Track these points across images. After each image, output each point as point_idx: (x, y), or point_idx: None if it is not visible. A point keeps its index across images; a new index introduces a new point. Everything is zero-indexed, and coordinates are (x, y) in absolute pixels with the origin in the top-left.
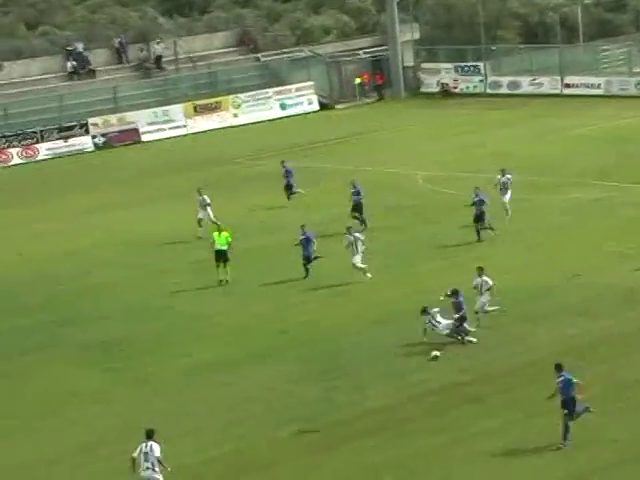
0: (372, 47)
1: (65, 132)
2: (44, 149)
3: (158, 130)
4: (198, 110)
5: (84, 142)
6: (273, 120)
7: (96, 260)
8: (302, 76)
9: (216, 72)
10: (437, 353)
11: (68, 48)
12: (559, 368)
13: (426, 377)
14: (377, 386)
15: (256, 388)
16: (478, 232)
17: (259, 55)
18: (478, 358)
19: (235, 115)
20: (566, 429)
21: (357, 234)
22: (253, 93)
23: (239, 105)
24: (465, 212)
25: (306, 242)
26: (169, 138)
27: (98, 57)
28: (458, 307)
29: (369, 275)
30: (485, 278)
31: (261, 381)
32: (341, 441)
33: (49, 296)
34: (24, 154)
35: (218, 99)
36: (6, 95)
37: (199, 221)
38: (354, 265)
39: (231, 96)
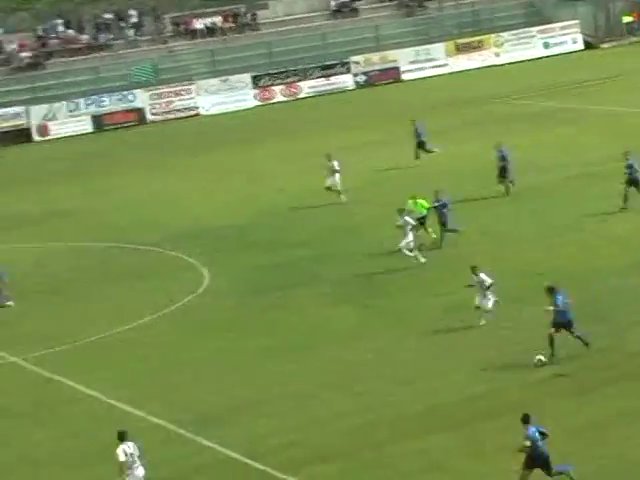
0: None
1: (327, 70)
2: (306, 87)
3: (419, 69)
4: (460, 49)
5: (345, 80)
6: (535, 59)
7: (356, 198)
8: (568, 14)
9: (479, 10)
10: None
11: None
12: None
13: None
14: (637, 330)
15: (511, 330)
16: None
17: None
18: None
19: (497, 54)
20: None
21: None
22: (516, 32)
23: (501, 44)
24: None
25: (442, 207)
26: (430, 77)
27: None
28: None
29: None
30: (482, 276)
31: (517, 324)
32: (597, 385)
33: (309, 233)
34: (287, 92)
35: (480, 38)
36: (270, 34)
37: (328, 188)
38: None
39: (493, 35)
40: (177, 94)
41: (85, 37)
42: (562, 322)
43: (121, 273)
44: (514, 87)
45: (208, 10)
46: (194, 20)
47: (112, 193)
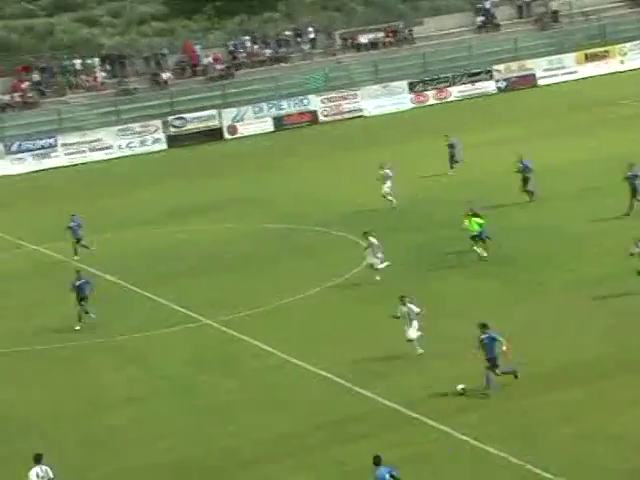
0: None
1: (473, 77)
2: (455, 92)
3: (552, 75)
4: (588, 58)
5: (488, 86)
6: None
7: (494, 186)
8: None
9: (605, 24)
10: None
11: (478, 5)
12: (484, 327)
13: None
14: None
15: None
16: None
17: None
18: None
19: (621, 62)
20: (488, 380)
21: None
22: (638, 42)
23: (625, 53)
24: None
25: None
26: (562, 82)
27: (503, 13)
28: None
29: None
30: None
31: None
32: None
33: (455, 216)
34: (438, 96)
35: (606, 48)
36: (425, 46)
37: (384, 195)
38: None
39: (618, 45)
40: (344, 98)
41: (268, 51)
42: None
43: (296, 250)
44: (636, 90)
45: (372, 27)
46: (360, 36)
47: (289, 182)
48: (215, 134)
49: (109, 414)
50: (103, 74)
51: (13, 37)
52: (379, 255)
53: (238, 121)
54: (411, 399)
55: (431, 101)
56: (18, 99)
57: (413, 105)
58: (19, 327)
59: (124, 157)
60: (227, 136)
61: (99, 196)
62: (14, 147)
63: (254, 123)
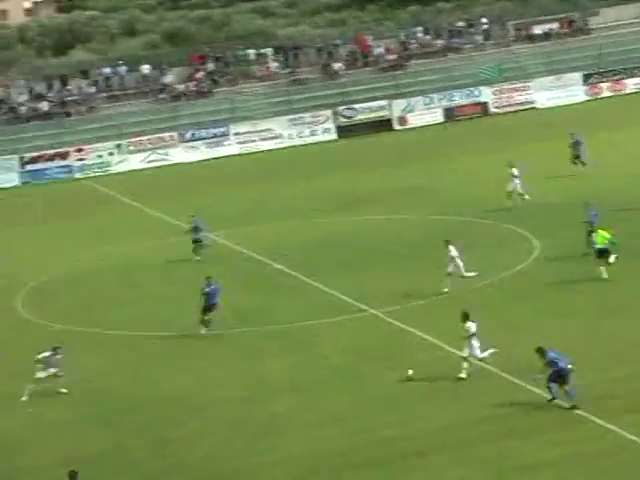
0: None
1: None
2: (631, 84)
3: None
4: None
5: None
6: None
7: None
8: None
9: None
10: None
11: None
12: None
13: None
14: None
15: None
16: None
17: None
18: None
19: None
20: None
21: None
22: None
23: None
24: None
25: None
26: None
27: None
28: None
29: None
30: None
31: None
32: None
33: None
34: (613, 88)
35: None
36: (601, 37)
37: (508, 194)
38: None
39: None
40: (516, 90)
41: (440, 42)
42: None
43: (464, 243)
44: None
45: (546, 18)
46: (534, 26)
47: (457, 174)
48: (385, 125)
49: (273, 400)
50: (276, 64)
51: (190, 27)
52: (458, 263)
53: (408, 112)
54: (578, 397)
55: (605, 93)
56: (193, 88)
57: (587, 97)
58: (189, 314)
59: (294, 147)
60: (397, 127)
61: (268, 185)
62: (188, 135)
63: (424, 114)
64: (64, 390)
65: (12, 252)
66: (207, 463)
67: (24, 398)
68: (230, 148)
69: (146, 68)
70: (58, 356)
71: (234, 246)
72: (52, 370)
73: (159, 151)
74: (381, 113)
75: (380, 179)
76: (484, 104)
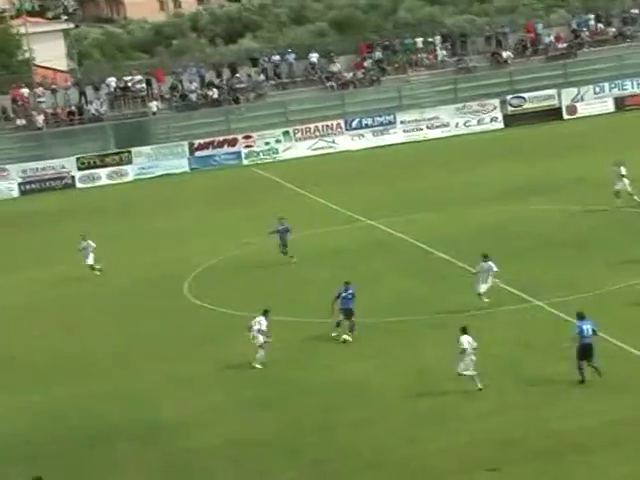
0: None
1: None
2: None
3: None
4: None
5: None
6: None
7: None
8: None
9: None
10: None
11: None
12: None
13: None
14: None
15: None
16: None
17: None
18: None
19: None
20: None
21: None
22: None
23: None
24: None
25: None
26: None
27: None
28: None
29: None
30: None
31: None
32: None
33: None
34: None
35: None
36: None
37: (616, 193)
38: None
39: None
40: None
41: (612, 29)
42: None
43: (633, 234)
44: None
45: None
46: None
47: (628, 164)
48: (554, 114)
49: (436, 390)
50: (443, 52)
51: (358, 15)
52: (489, 280)
53: (578, 101)
54: None
55: None
56: (360, 76)
57: None
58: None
59: (461, 135)
60: (566, 116)
61: (434, 174)
62: (354, 123)
63: (594, 103)
64: (259, 366)
65: (181, 236)
66: (373, 450)
67: (257, 365)
68: (396, 136)
69: (314, 56)
70: (263, 321)
71: (398, 234)
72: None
73: (326, 139)
74: (550, 102)
75: (547, 169)
76: None
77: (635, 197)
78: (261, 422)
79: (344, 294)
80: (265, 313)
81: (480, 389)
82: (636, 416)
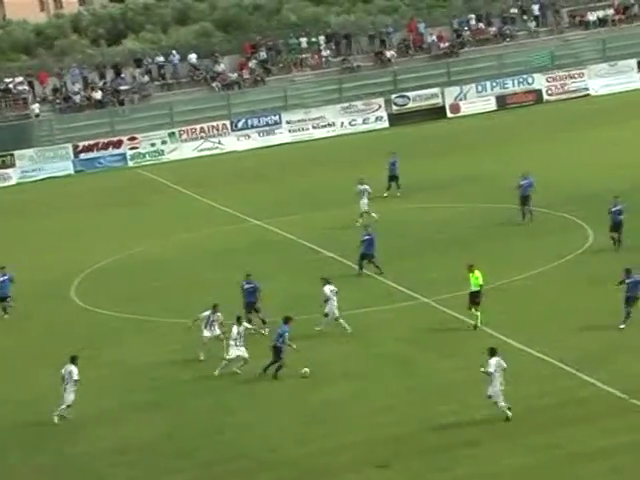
0: None
1: None
2: None
3: None
4: None
5: None
6: None
7: None
8: None
9: None
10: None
11: None
12: (628, 271)
13: None
14: None
15: None
16: None
17: None
18: None
19: None
20: (627, 314)
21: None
22: None
23: None
24: None
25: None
26: None
27: None
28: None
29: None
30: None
31: None
32: None
33: None
34: None
35: None
36: None
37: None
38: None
39: None
40: (570, 77)
41: (492, 29)
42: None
43: (516, 231)
44: None
45: (601, 4)
46: (588, 13)
47: (511, 162)
48: (438, 112)
49: (327, 388)
50: (328, 52)
51: (243, 15)
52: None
53: (461, 99)
54: (633, 386)
55: None
56: (245, 77)
57: None
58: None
59: (346, 135)
60: (449, 114)
61: (321, 173)
62: (240, 124)
63: (477, 102)
64: (239, 371)
65: (66, 239)
66: (264, 451)
67: (202, 357)
68: (282, 136)
69: (198, 57)
70: (218, 314)
71: (285, 234)
72: (216, 331)
73: (212, 139)
74: (433, 101)
75: (434, 167)
76: (538, 91)
77: (373, 214)
78: (152, 425)
79: (246, 287)
80: (215, 307)
81: (508, 419)
82: (521, 409)
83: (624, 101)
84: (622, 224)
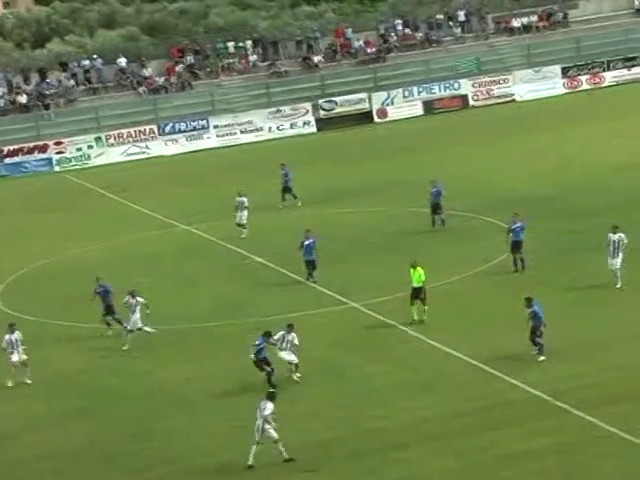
0: None
1: (629, 62)
2: (609, 77)
3: None
4: None
5: None
6: None
7: None
8: None
9: None
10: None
11: None
12: (529, 300)
13: None
14: None
15: None
16: None
17: None
18: None
19: None
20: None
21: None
22: None
23: None
24: None
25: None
26: None
27: None
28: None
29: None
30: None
31: None
32: None
33: (607, 204)
34: (591, 81)
35: None
36: (579, 30)
37: (240, 224)
38: None
39: None
40: (496, 83)
41: (419, 35)
42: None
43: (444, 236)
44: None
45: (525, 10)
46: (513, 19)
47: (438, 167)
48: (365, 117)
49: (255, 393)
50: (255, 57)
51: (169, 20)
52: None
53: (388, 105)
54: (558, 389)
55: (584, 86)
56: (172, 81)
57: (566, 90)
58: (173, 306)
59: (274, 139)
60: (377, 119)
61: (248, 178)
62: (167, 128)
63: (404, 107)
64: (29, 381)
65: None
66: (193, 457)
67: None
68: (210, 141)
69: (125, 61)
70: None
71: (213, 239)
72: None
73: (139, 144)
74: (361, 106)
75: (361, 172)
76: (464, 97)
77: (245, 230)
78: (79, 432)
79: (98, 290)
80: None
81: None
82: (448, 412)
83: (549, 106)
84: (522, 243)
